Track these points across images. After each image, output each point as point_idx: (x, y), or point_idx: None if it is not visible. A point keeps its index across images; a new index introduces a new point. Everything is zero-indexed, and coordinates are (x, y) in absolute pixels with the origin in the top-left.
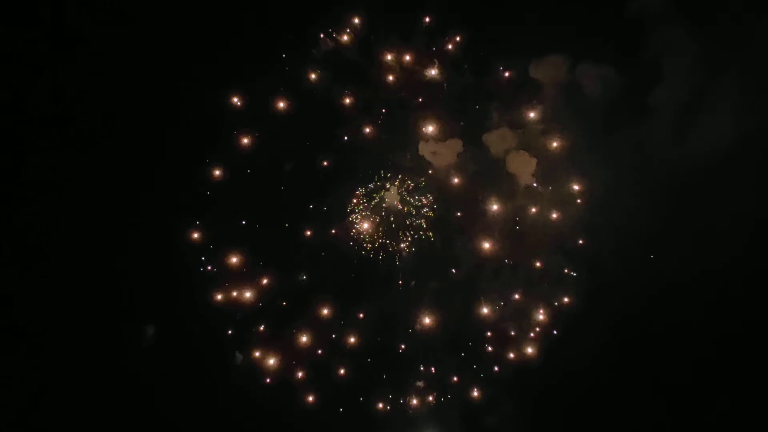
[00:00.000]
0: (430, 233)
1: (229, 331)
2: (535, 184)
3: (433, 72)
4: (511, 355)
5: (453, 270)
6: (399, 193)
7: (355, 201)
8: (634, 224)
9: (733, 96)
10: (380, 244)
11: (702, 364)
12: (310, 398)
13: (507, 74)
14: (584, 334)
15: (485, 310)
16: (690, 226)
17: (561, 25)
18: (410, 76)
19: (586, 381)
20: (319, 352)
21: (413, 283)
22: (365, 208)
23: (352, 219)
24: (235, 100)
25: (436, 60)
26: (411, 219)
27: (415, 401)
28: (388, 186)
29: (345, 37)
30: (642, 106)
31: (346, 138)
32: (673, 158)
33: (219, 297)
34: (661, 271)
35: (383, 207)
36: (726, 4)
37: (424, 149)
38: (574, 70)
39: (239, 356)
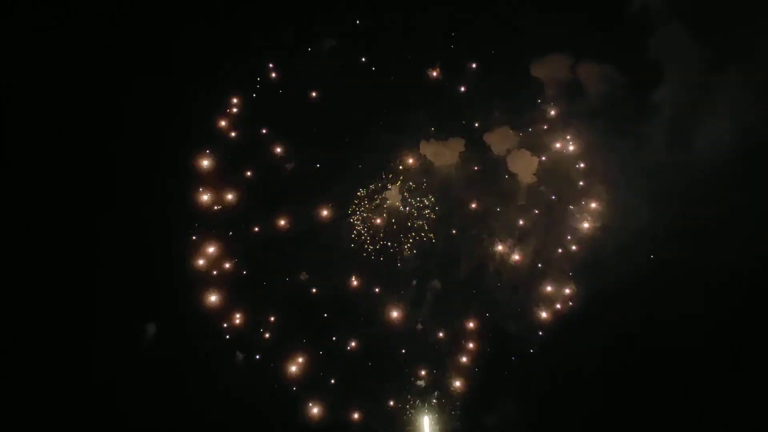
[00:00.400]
0: (432, 234)
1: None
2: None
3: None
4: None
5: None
6: (400, 194)
7: (356, 202)
8: (634, 224)
9: (735, 96)
10: (381, 245)
11: (703, 364)
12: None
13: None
14: (584, 335)
15: None
16: (691, 226)
17: (563, 24)
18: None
19: (586, 381)
20: (320, 353)
21: (414, 282)
22: (366, 209)
23: (353, 220)
24: (234, 100)
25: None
26: (412, 220)
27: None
28: (389, 186)
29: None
30: (644, 106)
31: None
32: (675, 158)
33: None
34: (661, 272)
35: (384, 208)
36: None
37: (426, 149)
38: (575, 70)
39: (239, 355)
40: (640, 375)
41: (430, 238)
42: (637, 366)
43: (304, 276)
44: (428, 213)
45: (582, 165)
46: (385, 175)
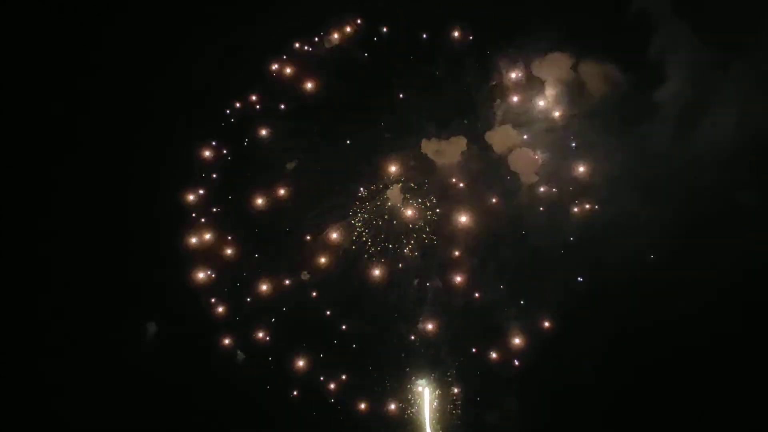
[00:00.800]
0: (432, 235)
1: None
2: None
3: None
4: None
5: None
6: (401, 194)
7: (357, 203)
8: (636, 223)
9: (738, 95)
10: (382, 246)
11: (703, 364)
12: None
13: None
14: (584, 334)
15: None
16: (691, 226)
17: (564, 23)
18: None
19: (585, 381)
20: (321, 356)
21: (416, 282)
22: (367, 210)
23: (354, 221)
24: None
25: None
26: (413, 221)
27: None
28: (390, 187)
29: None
30: (644, 105)
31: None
32: (675, 157)
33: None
34: (661, 272)
35: (385, 208)
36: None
37: (427, 147)
38: (577, 69)
39: (240, 355)
40: (639, 375)
41: (431, 239)
42: (637, 366)
43: (305, 276)
44: (429, 214)
45: (583, 164)
46: (385, 175)
